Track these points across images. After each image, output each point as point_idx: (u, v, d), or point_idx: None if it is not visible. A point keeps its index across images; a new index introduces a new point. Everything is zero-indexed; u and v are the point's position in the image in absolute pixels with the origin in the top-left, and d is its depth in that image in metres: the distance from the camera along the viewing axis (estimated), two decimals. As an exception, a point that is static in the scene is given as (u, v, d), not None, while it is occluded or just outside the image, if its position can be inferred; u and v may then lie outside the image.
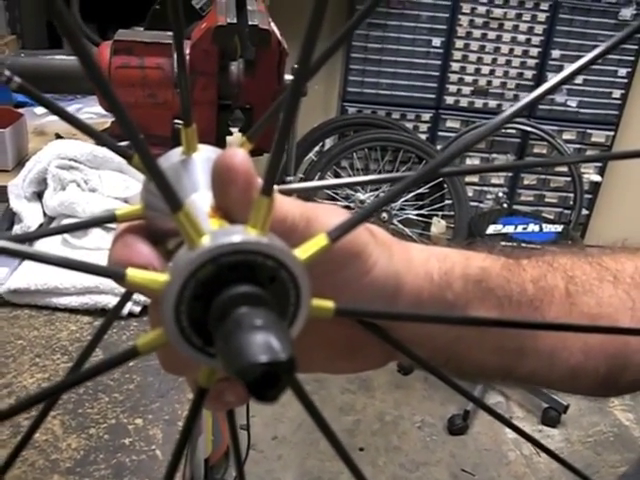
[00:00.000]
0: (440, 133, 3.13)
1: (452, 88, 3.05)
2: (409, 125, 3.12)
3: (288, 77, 1.06)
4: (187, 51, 1.02)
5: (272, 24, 1.02)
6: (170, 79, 1.02)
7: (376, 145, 3.10)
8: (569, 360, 0.48)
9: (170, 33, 0.88)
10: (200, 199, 0.28)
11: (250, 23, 0.96)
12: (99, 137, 0.28)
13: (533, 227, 2.33)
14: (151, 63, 1.01)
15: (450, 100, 3.08)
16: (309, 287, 0.24)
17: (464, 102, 3.08)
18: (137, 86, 1.01)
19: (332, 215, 0.31)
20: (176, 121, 1.08)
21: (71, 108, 1.24)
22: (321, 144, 3.19)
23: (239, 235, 0.23)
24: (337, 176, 3.20)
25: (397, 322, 0.36)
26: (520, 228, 2.30)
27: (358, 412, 2.30)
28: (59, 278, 0.74)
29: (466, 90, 3.06)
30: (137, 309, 0.75)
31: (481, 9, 2.89)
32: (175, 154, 0.30)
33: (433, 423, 2.28)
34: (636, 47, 3.03)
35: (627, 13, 2.95)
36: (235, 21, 0.96)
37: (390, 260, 0.35)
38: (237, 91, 1.03)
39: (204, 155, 0.30)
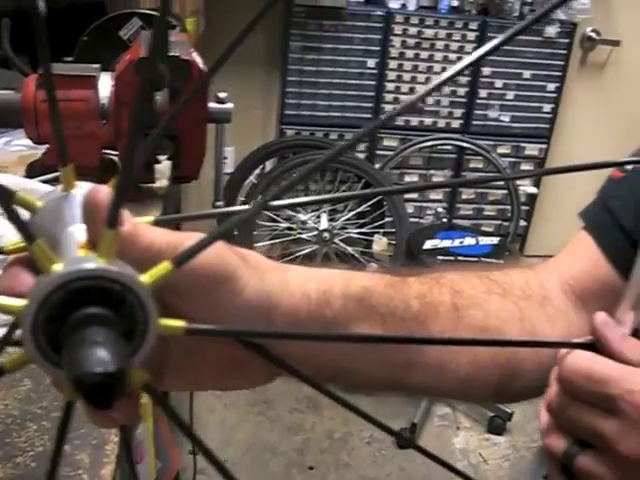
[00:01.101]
0: (378, 152, 3.20)
1: (388, 107, 3.12)
2: (348, 145, 3.17)
3: (212, 105, 1.09)
4: (112, 82, 1.04)
5: (194, 54, 1.04)
6: (96, 110, 1.04)
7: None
8: (458, 371, 0.51)
9: (95, 65, 0.90)
10: (78, 231, 0.30)
11: (170, 54, 0.99)
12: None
13: (470, 240, 2.40)
14: (76, 95, 1.03)
15: (386, 119, 3.14)
16: (155, 308, 0.27)
17: (400, 120, 3.15)
18: (63, 118, 1.03)
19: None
20: (105, 151, 1.10)
21: (0, 141, 1.24)
22: (262, 167, 3.22)
23: (82, 263, 0.26)
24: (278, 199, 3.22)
25: (277, 340, 0.39)
26: (457, 242, 2.36)
27: (307, 431, 2.32)
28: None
29: (401, 109, 3.12)
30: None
31: (412, 30, 2.98)
32: (58, 190, 0.32)
33: (382, 438, 2.31)
34: (562, 63, 3.15)
35: (552, 31, 3.07)
36: (156, 53, 0.99)
37: (262, 282, 0.38)
38: (162, 120, 1.05)
39: (84, 191, 0.33)
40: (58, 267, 0.25)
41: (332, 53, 3.00)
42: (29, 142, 1.16)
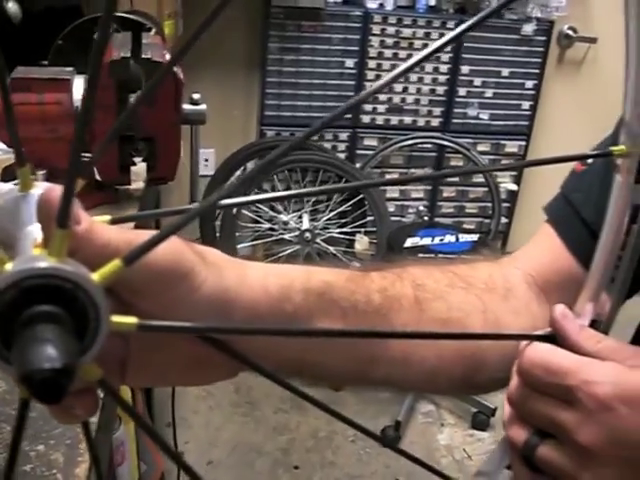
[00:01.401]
0: (358, 151, 3.21)
1: (367, 107, 3.13)
2: (327, 145, 3.19)
3: (186, 106, 1.10)
4: (85, 85, 1.04)
5: (167, 56, 1.05)
6: (70, 113, 1.04)
7: (296, 167, 3.15)
8: (424, 364, 0.51)
9: (69, 69, 0.90)
10: (35, 231, 0.31)
11: (143, 56, 1.00)
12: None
13: (450, 238, 2.41)
14: (50, 99, 1.03)
15: (366, 119, 3.16)
16: (106, 305, 0.28)
17: (380, 120, 3.16)
18: (37, 122, 1.03)
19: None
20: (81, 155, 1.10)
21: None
22: (243, 168, 3.23)
23: (33, 262, 0.26)
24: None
25: (236, 336, 0.39)
26: (437, 240, 2.38)
27: (292, 431, 2.33)
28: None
29: (381, 108, 3.14)
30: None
31: (390, 29, 2.99)
32: (16, 190, 0.33)
33: (366, 437, 2.32)
34: (540, 60, 3.18)
35: (528, 29, 3.09)
36: (129, 55, 0.99)
37: (220, 278, 0.38)
38: (137, 122, 1.06)
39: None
40: (9, 266, 0.26)
41: (311, 54, 3.01)
42: (3, 146, 1.16)
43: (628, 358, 0.40)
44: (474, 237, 2.46)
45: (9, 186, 0.36)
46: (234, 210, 3.13)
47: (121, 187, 1.15)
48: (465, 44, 3.02)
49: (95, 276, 0.28)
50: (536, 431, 0.42)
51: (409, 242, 2.42)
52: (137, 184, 1.18)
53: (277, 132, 3.21)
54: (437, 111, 3.18)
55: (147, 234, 0.34)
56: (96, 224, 0.32)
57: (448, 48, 3.04)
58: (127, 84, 1.04)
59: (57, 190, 0.29)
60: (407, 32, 3.00)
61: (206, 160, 3.43)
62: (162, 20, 2.47)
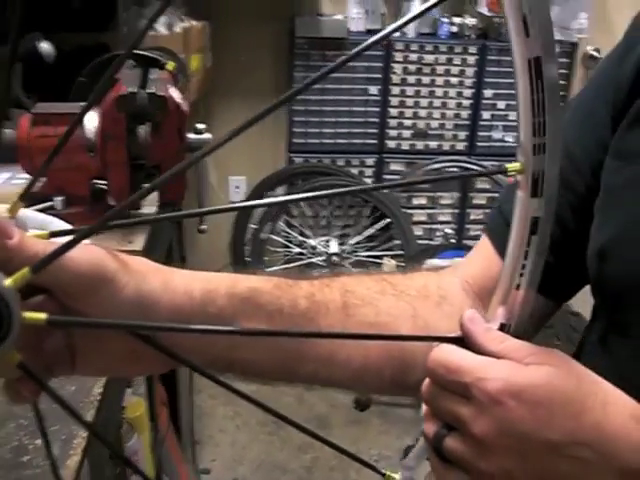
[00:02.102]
0: (385, 176, 3.27)
1: (392, 132, 3.20)
2: (354, 171, 3.26)
3: (190, 135, 1.18)
4: (99, 118, 1.13)
5: (172, 90, 1.14)
6: (84, 145, 1.13)
7: (324, 192, 3.23)
8: (350, 363, 0.56)
9: (84, 103, 0.99)
10: None
11: (148, 91, 1.08)
12: None
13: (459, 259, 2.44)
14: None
15: (392, 144, 3.22)
16: (17, 302, 0.35)
17: (405, 145, 3.23)
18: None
19: (84, 251, 0.41)
20: (94, 181, 1.19)
21: (2, 176, 1.34)
22: (272, 194, 3.31)
23: None
24: (289, 225, 3.32)
25: (166, 333, 0.46)
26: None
27: (316, 450, 2.38)
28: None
29: (406, 133, 3.21)
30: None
31: (413, 56, 3.06)
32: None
33: (389, 456, 2.35)
34: (565, 82, 3.21)
35: (550, 52, 3.13)
36: (135, 90, 1.08)
37: (142, 282, 0.44)
38: (145, 151, 1.15)
39: None
40: None
41: (335, 82, 3.10)
42: (28, 176, 1.26)
43: (526, 356, 0.44)
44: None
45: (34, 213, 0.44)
46: (263, 235, 3.22)
47: (133, 211, 1.23)
48: (487, 68, 3.08)
49: (8, 281, 0.35)
50: (445, 425, 0.46)
51: (428, 263, 2.47)
52: (149, 208, 1.26)
53: (305, 159, 3.29)
54: (462, 135, 3.23)
55: (82, 247, 0.40)
56: (27, 238, 0.39)
57: (471, 72, 3.10)
58: (135, 116, 1.12)
59: None
60: (429, 58, 3.07)
61: (237, 187, 3.54)
62: (189, 54, 2.59)
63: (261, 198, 3.30)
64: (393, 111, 3.17)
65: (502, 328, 0.48)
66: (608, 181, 0.59)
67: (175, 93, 1.14)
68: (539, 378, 0.43)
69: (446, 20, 3.05)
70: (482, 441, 0.43)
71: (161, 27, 2.39)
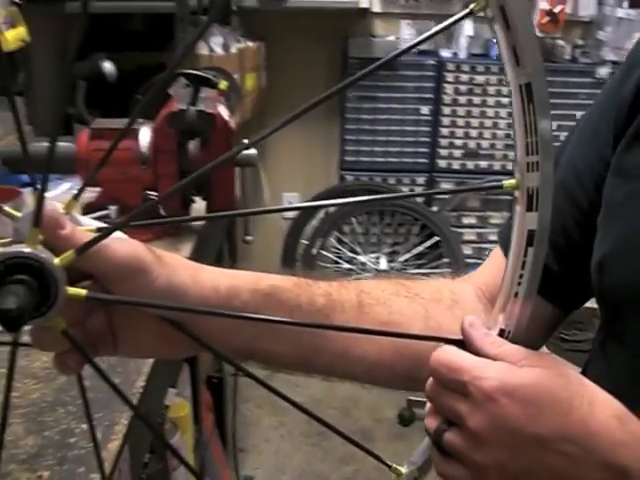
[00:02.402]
0: (435, 195, 3.30)
1: (443, 152, 3.23)
2: (405, 189, 3.30)
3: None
4: (151, 133, 1.21)
5: (220, 107, 1.21)
6: (137, 158, 1.21)
7: (374, 210, 3.28)
8: (365, 357, 0.60)
9: (139, 120, 1.09)
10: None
11: (197, 108, 1.16)
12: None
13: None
14: (121, 145, 1.20)
15: (443, 163, 3.25)
16: (63, 278, 0.41)
17: (456, 164, 3.25)
18: (110, 165, 1.20)
19: (124, 244, 0.47)
20: (147, 192, 1.27)
21: (63, 187, 1.43)
22: (325, 210, 3.37)
23: (11, 248, 0.40)
24: (340, 241, 3.37)
25: (197, 319, 0.51)
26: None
27: (358, 462, 2.41)
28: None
29: (457, 153, 3.23)
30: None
31: (464, 77, 3.10)
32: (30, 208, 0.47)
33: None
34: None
35: (603, 72, 3.12)
36: (185, 107, 1.16)
37: (173, 275, 0.50)
38: (195, 164, 1.22)
39: None
40: (1, 250, 0.40)
41: (387, 102, 3.15)
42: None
43: (521, 359, 0.48)
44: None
45: (90, 220, 0.50)
46: (314, 251, 3.28)
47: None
48: (539, 89, 3.08)
49: (56, 260, 0.41)
50: (445, 420, 0.50)
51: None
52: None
53: (356, 177, 3.35)
54: (513, 155, 3.23)
55: (115, 237, 0.47)
56: (77, 230, 0.45)
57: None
58: (185, 132, 1.20)
59: (50, 208, 0.43)
60: (480, 79, 3.10)
61: (290, 203, 3.62)
62: (244, 73, 2.68)
63: (313, 214, 3.36)
64: (444, 130, 3.20)
65: (502, 334, 0.51)
66: (608, 197, 0.62)
67: (223, 110, 1.21)
68: (531, 379, 0.47)
69: (498, 41, 3.07)
70: (477, 435, 0.47)
71: (217, 48, 2.49)
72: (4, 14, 1.93)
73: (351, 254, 3.35)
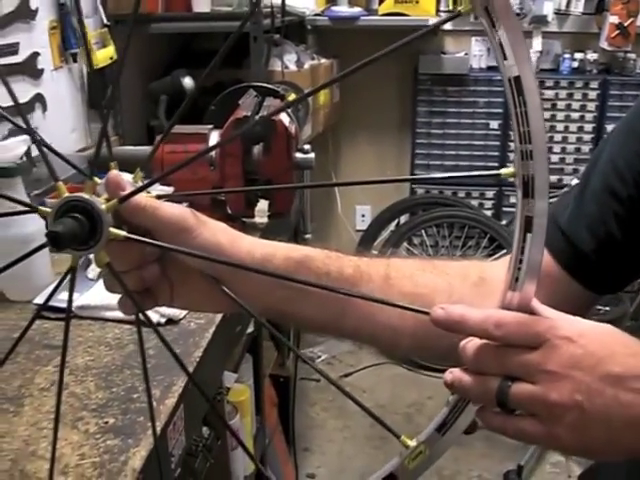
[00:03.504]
0: (504, 209, 3.33)
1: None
2: (474, 202, 3.34)
3: (298, 155, 1.35)
4: (219, 138, 1.33)
5: (282, 115, 1.32)
6: (207, 159, 1.33)
7: (443, 222, 3.33)
8: (389, 321, 0.64)
9: (209, 126, 1.23)
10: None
11: (259, 115, 1.27)
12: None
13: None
14: (192, 148, 1.33)
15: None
16: (108, 221, 0.51)
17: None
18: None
19: (173, 206, 0.56)
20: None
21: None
22: (396, 222, 3.45)
23: (72, 194, 0.50)
24: (409, 253, 3.44)
25: (233, 279, 0.58)
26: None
27: (418, 465, 2.46)
28: (108, 298, 1.03)
29: (526, 167, 3.26)
30: (162, 320, 1.03)
31: (534, 93, 3.13)
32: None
33: (489, 479, 2.40)
34: None
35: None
36: (249, 114, 1.27)
37: (213, 236, 0.57)
38: (258, 167, 1.33)
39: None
40: (65, 194, 0.51)
41: (457, 117, 3.22)
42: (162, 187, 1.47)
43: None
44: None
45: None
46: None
47: (248, 220, 1.42)
48: (609, 102, 3.09)
49: (103, 205, 0.51)
50: (504, 378, 0.51)
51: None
52: (261, 219, 1.45)
53: (427, 190, 3.42)
54: (582, 169, 3.23)
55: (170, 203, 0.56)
56: (140, 198, 0.54)
57: (592, 107, 3.12)
58: (249, 137, 1.31)
59: (113, 174, 0.53)
60: (549, 94, 3.12)
61: (363, 216, 3.72)
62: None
63: (384, 226, 3.45)
64: (513, 145, 3.22)
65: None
66: None
67: (285, 118, 1.32)
68: (601, 326, 0.52)
69: (567, 56, 3.10)
70: (554, 374, 0.49)
71: (291, 64, 2.62)
72: (96, 35, 2.11)
73: (475, 258, 3.40)
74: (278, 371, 2.18)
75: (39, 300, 1.05)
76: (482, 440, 2.59)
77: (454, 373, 0.54)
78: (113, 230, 0.52)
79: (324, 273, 0.63)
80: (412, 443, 0.57)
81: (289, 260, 0.62)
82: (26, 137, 1.63)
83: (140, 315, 0.58)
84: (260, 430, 1.78)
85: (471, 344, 0.53)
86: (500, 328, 0.51)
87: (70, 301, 0.57)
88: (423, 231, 3.39)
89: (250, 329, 1.51)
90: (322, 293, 0.61)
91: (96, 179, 0.53)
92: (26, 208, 0.55)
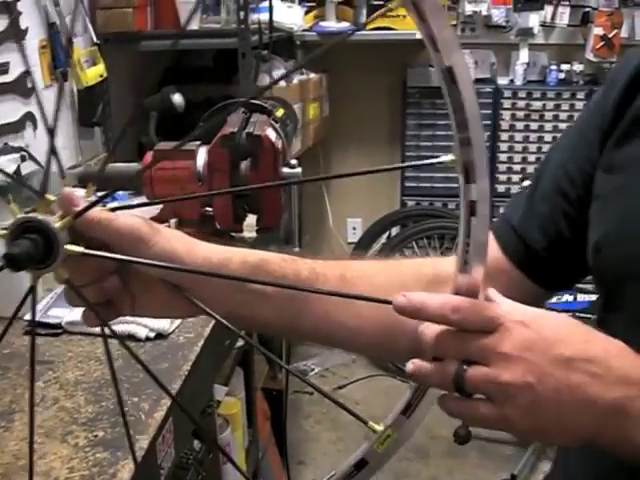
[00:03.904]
0: (494, 219, 3.34)
1: (502, 177, 3.29)
2: (464, 213, 3.36)
3: (285, 170, 1.37)
4: (206, 154, 1.35)
5: (268, 130, 1.34)
6: (194, 176, 1.35)
7: (434, 234, 3.35)
8: (345, 323, 0.66)
9: (197, 142, 1.25)
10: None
11: (247, 131, 1.29)
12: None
13: (567, 297, 2.49)
14: (180, 165, 1.34)
15: (501, 188, 3.31)
16: (63, 239, 0.52)
17: (515, 189, 3.30)
18: (171, 182, 1.34)
19: (127, 217, 0.57)
20: (206, 209, 1.40)
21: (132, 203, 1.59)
22: (387, 234, 3.47)
23: (25, 215, 0.52)
24: (401, 264, 3.45)
25: (192, 285, 0.59)
26: (555, 298, 2.46)
27: (412, 477, 2.47)
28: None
29: (515, 178, 3.29)
30: (152, 334, 1.05)
31: (521, 103, 3.16)
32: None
33: (485, 486, 2.41)
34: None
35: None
36: (235, 130, 1.29)
37: (168, 244, 0.59)
38: (246, 182, 1.35)
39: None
40: (19, 215, 0.52)
41: (446, 129, 3.24)
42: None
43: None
44: (592, 297, 2.52)
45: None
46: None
47: (236, 234, 1.44)
48: (596, 114, 3.12)
49: (58, 223, 0.52)
50: (461, 363, 0.53)
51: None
52: (250, 233, 1.46)
53: (417, 202, 3.44)
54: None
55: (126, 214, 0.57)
56: (94, 212, 0.55)
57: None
58: (236, 152, 1.33)
59: (66, 191, 0.54)
60: (537, 105, 3.15)
61: (354, 228, 3.74)
62: (306, 103, 2.83)
63: (375, 239, 3.47)
64: (502, 156, 3.27)
65: (457, 293, 0.54)
66: (599, 190, 0.71)
67: (271, 133, 1.34)
68: (556, 314, 0.54)
69: (554, 67, 3.14)
70: (509, 355, 0.51)
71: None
72: (86, 53, 2.13)
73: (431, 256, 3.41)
74: (270, 384, 2.19)
75: (28, 316, 1.06)
76: (476, 450, 2.61)
77: (415, 363, 0.55)
78: (69, 247, 0.53)
79: (281, 276, 0.64)
80: (379, 428, 0.59)
81: (245, 264, 0.63)
82: (16, 155, 1.65)
83: (106, 327, 0.59)
84: (253, 443, 1.78)
85: (430, 330, 0.55)
86: (457, 312, 0.53)
87: (34, 318, 0.58)
88: (414, 243, 3.41)
89: (240, 342, 1.52)
90: (279, 296, 0.63)
91: (50, 196, 0.54)
92: None
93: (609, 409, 0.51)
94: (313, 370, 3.23)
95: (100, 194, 0.56)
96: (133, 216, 0.58)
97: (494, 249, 0.78)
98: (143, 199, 1.56)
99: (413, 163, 0.60)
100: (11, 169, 1.25)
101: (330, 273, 0.68)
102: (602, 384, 0.51)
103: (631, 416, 0.51)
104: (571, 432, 0.53)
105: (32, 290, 0.55)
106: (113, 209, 0.57)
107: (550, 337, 0.52)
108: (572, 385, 0.51)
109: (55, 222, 0.53)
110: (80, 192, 0.55)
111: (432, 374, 0.54)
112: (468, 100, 0.50)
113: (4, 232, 0.52)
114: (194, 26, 2.37)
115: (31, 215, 0.52)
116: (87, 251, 0.54)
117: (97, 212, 0.56)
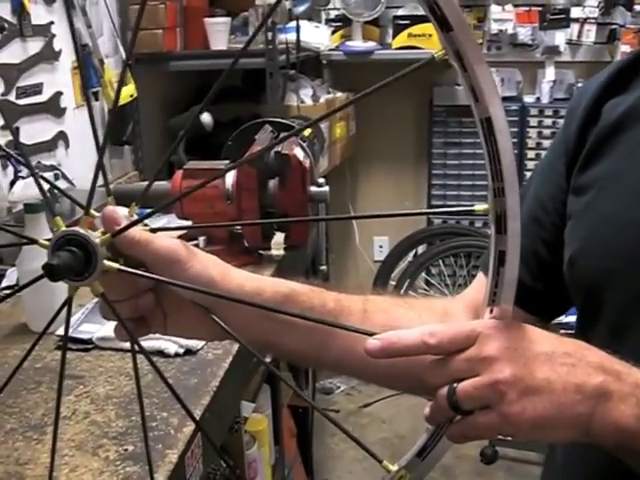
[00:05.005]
0: (521, 237, 3.33)
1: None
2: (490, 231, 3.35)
3: (313, 188, 1.38)
4: (235, 173, 1.37)
5: (296, 149, 1.35)
6: (223, 195, 1.37)
7: (460, 252, 3.35)
8: (367, 357, 0.68)
9: (226, 161, 1.28)
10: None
11: (274, 150, 1.31)
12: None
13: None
14: (209, 184, 1.36)
15: (527, 206, 3.30)
16: (102, 255, 0.54)
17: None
18: (200, 201, 1.36)
19: (165, 239, 0.59)
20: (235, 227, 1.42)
21: (161, 221, 1.61)
22: (414, 252, 3.47)
23: (74, 229, 0.53)
24: (427, 283, 3.45)
25: (223, 309, 0.60)
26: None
27: (437, 496, 2.45)
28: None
29: (542, 196, 3.27)
30: (181, 350, 1.06)
31: (547, 121, 3.16)
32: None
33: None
34: None
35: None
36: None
37: (205, 269, 0.61)
38: (274, 201, 1.36)
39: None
40: (63, 228, 0.54)
41: (472, 147, 3.24)
42: (181, 221, 1.51)
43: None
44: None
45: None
46: (401, 292, 3.37)
47: (264, 252, 1.45)
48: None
49: (98, 239, 0.54)
50: (452, 382, 0.55)
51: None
52: (278, 251, 1.48)
53: (443, 220, 3.44)
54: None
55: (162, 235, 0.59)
56: (134, 231, 0.56)
57: None
58: (265, 171, 1.35)
59: (109, 210, 0.56)
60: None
61: (380, 247, 3.74)
62: (333, 122, 2.85)
63: (401, 257, 3.47)
64: (529, 174, 3.24)
65: None
66: (570, 211, 0.76)
67: (299, 152, 1.35)
68: (525, 325, 0.56)
69: (581, 85, 3.12)
70: (493, 357, 0.53)
71: (307, 99, 2.67)
72: (116, 74, 2.18)
73: (439, 296, 3.42)
74: (297, 402, 2.19)
75: (60, 332, 1.08)
76: (503, 470, 2.58)
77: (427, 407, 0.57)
78: (107, 263, 0.55)
79: (309, 307, 0.66)
80: (394, 468, 0.59)
81: (277, 294, 0.65)
82: (50, 174, 1.68)
83: (135, 343, 0.60)
84: (279, 460, 1.79)
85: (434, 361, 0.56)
86: (434, 336, 0.54)
87: (67, 327, 0.60)
88: (441, 261, 3.41)
89: (267, 360, 1.52)
90: (307, 326, 0.65)
91: (94, 213, 0.56)
92: (26, 240, 0.58)
93: (595, 393, 0.54)
94: (339, 388, 3.23)
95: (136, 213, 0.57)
96: (172, 238, 0.60)
97: (483, 283, 0.78)
98: (172, 217, 1.58)
99: (442, 210, 0.63)
100: (44, 187, 1.27)
101: (354, 306, 0.70)
102: (584, 372, 0.54)
103: (613, 399, 0.54)
104: (569, 421, 0.54)
105: (68, 301, 0.56)
106: (153, 230, 0.59)
107: (528, 337, 0.55)
108: (561, 374, 0.54)
109: (96, 238, 0.54)
110: (124, 210, 0.57)
111: (432, 407, 0.56)
112: (504, 151, 0.50)
113: (47, 243, 0.54)
114: (222, 46, 2.41)
115: (74, 229, 0.54)
116: (124, 268, 0.56)
117: (137, 232, 0.57)
